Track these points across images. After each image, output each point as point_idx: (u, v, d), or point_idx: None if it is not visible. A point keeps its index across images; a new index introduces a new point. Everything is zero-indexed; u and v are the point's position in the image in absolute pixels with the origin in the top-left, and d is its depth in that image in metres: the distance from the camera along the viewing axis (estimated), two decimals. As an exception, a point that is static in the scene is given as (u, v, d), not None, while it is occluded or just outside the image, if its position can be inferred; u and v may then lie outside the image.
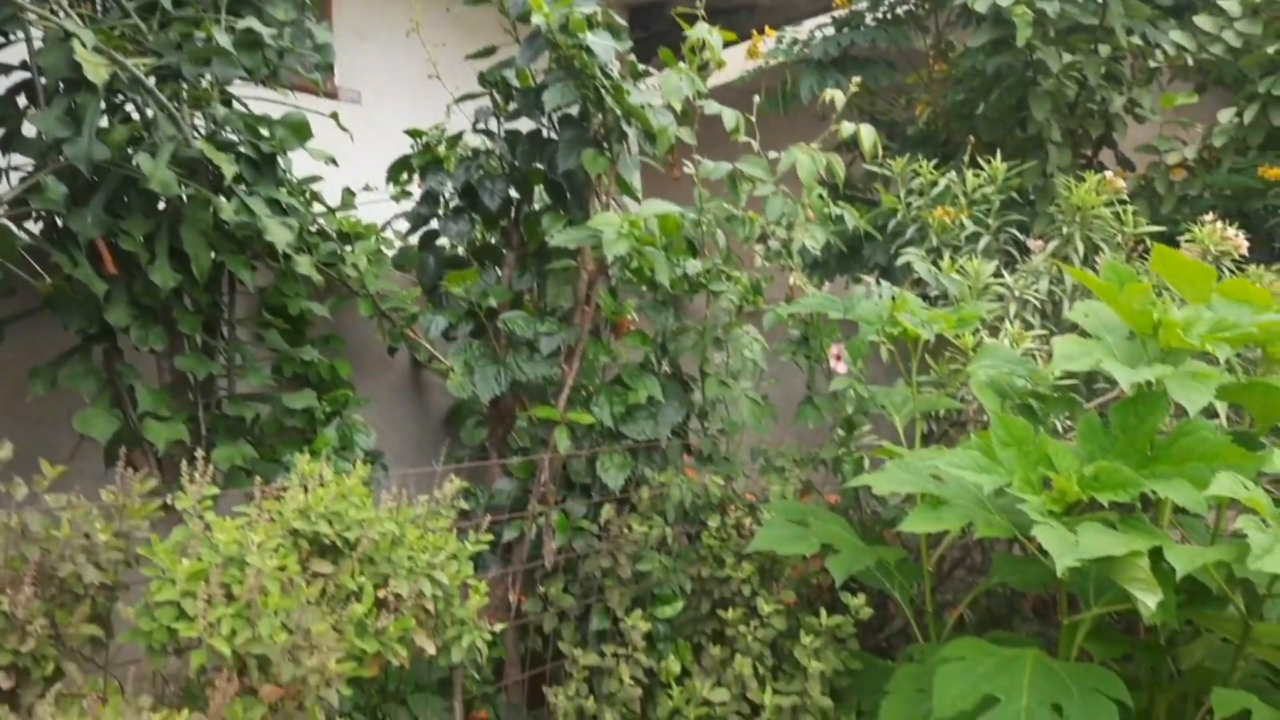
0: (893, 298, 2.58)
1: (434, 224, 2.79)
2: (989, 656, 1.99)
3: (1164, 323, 2.11)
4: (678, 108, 2.36)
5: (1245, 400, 2.26)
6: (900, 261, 2.88)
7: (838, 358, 3.10)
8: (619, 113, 2.37)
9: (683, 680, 2.36)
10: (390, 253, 3.19)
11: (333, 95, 5.04)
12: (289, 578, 1.54)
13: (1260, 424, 2.27)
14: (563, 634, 2.43)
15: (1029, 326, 3.16)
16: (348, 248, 3.03)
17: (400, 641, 1.75)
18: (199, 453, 1.66)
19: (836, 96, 2.75)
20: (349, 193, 3.21)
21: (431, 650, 1.80)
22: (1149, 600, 1.73)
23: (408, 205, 3.11)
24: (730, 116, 2.45)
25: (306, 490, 1.69)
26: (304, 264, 2.62)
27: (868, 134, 2.51)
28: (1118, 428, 2.05)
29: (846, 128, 2.51)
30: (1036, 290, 3.15)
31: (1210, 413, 2.72)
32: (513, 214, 2.62)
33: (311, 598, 1.54)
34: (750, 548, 2.44)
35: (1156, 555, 1.82)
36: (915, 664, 2.26)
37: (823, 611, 2.37)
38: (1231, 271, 3.26)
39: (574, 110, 2.50)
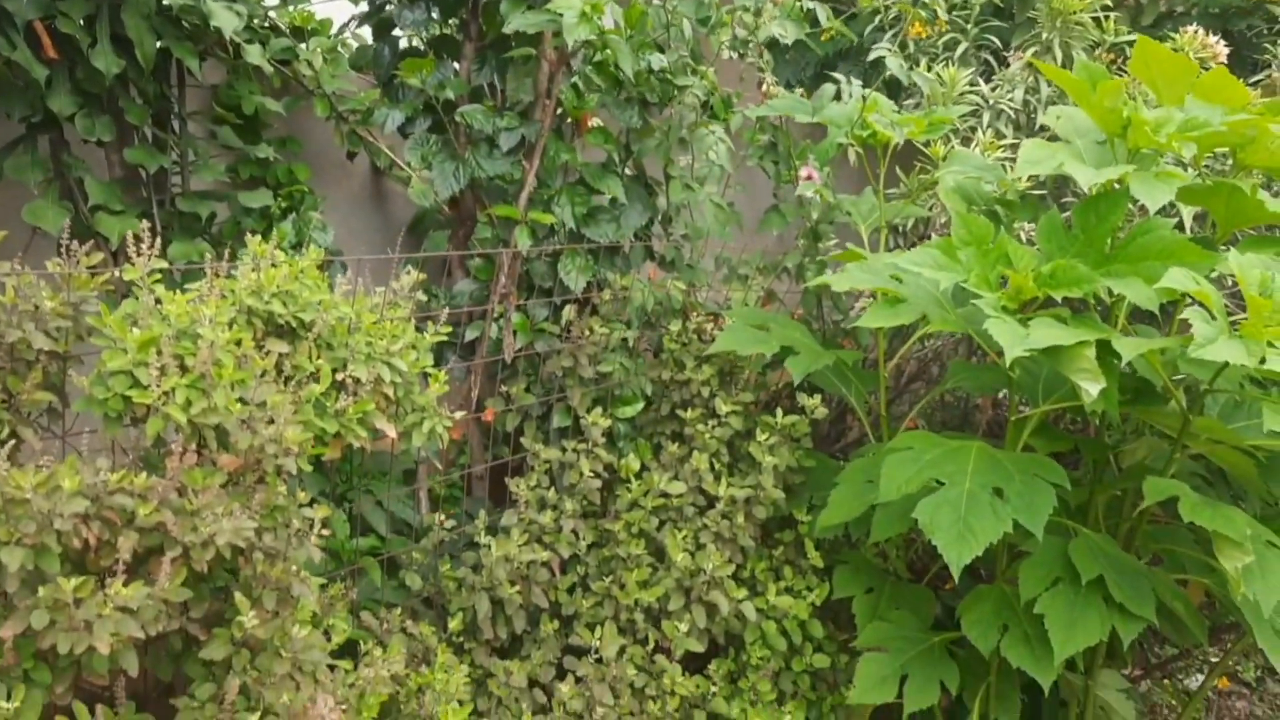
0: (863, 98, 2.52)
1: (389, 12, 2.66)
2: (936, 446, 2.06)
3: (1133, 121, 2.08)
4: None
5: (1209, 204, 2.27)
6: (872, 56, 2.80)
7: (808, 178, 3.05)
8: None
9: (641, 475, 2.43)
10: (347, 54, 3.07)
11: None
12: (243, 353, 1.54)
13: (1223, 229, 2.29)
14: (525, 431, 2.47)
15: (1001, 137, 3.12)
16: (302, 44, 2.91)
17: (360, 423, 1.78)
18: (146, 234, 1.62)
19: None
20: (302, -14, 3.05)
21: (392, 433, 1.83)
22: (1091, 389, 1.78)
23: (366, 7, 2.96)
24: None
25: (258, 270, 1.67)
26: (254, 54, 2.51)
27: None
28: (1078, 227, 2.05)
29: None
30: (1011, 100, 3.09)
31: (1178, 226, 2.74)
32: (470, 2, 2.50)
33: (266, 370, 1.55)
34: (711, 349, 2.47)
35: (1104, 349, 1.86)
36: (866, 459, 2.34)
37: (779, 411, 2.42)
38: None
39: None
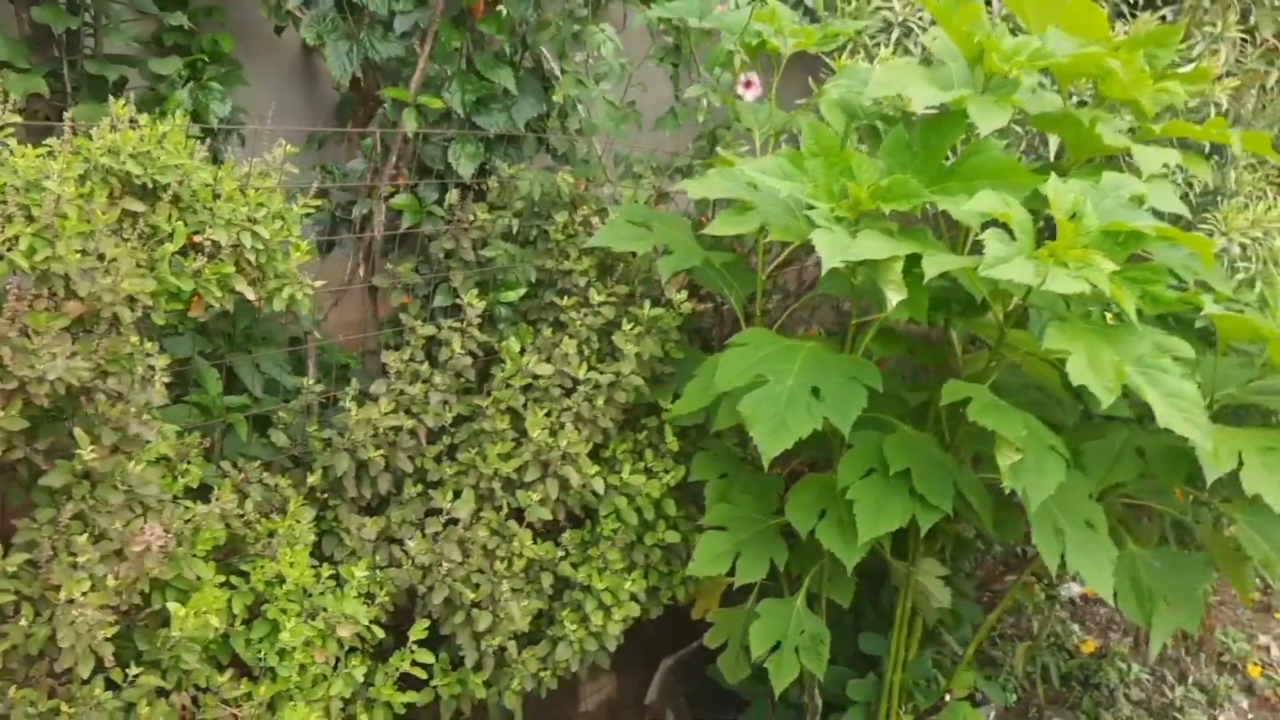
0: (762, 3, 2.58)
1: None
2: (771, 344, 2.21)
3: (987, 47, 2.17)
4: None
5: (1061, 132, 2.38)
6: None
7: (748, 85, 3.11)
8: None
9: (520, 357, 2.57)
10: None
11: None
12: (93, 209, 1.65)
13: (1073, 156, 2.40)
14: (407, 309, 2.60)
15: (909, 54, 3.19)
16: (222, -88, 2.92)
17: (219, 285, 1.90)
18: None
19: None
20: None
21: (251, 296, 1.96)
22: (894, 298, 1.92)
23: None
24: None
25: (115, 129, 1.77)
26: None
27: None
28: (920, 145, 2.17)
29: None
30: (921, 19, 3.15)
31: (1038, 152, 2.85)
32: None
33: (111, 224, 1.66)
34: (589, 243, 2.59)
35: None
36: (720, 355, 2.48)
37: (647, 304, 2.55)
38: (1127, 17, 3.28)
39: None
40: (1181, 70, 2.47)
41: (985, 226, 2.34)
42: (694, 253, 2.58)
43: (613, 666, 3.15)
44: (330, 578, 1.98)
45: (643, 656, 3.25)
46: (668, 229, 2.65)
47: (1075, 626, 3.96)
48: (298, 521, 2.03)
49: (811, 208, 2.05)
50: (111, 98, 2.59)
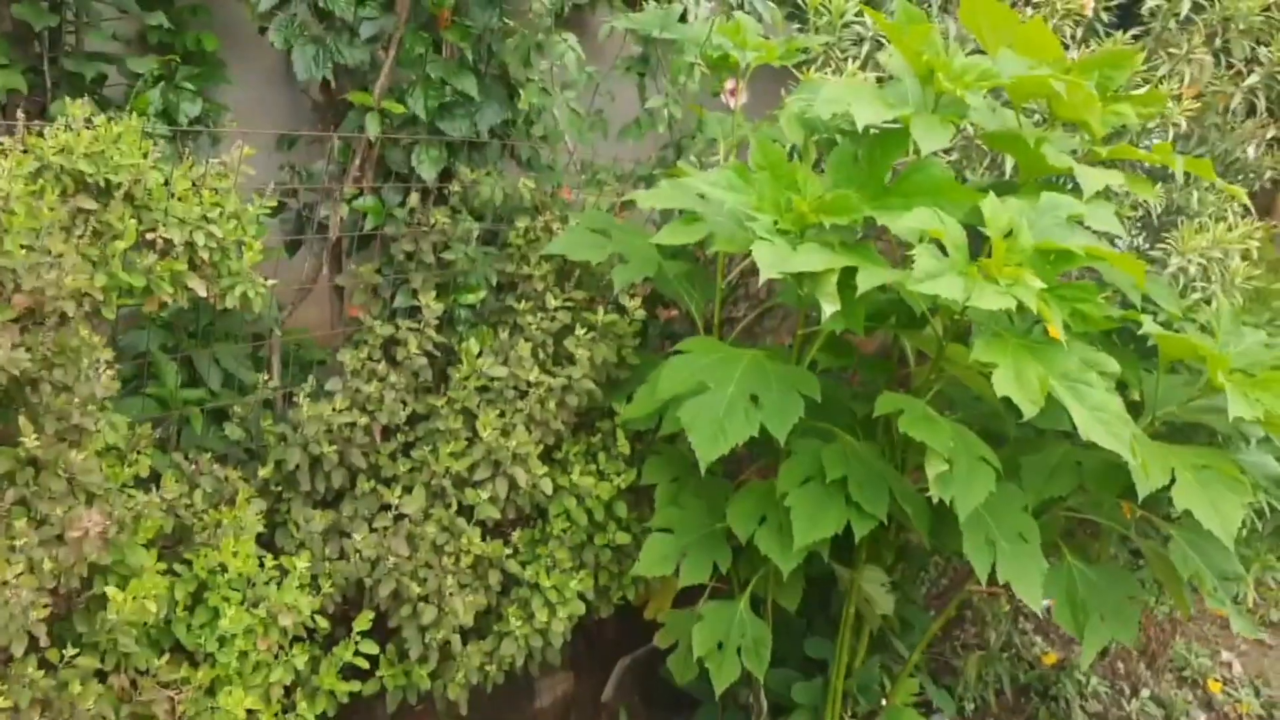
0: (725, 17, 2.63)
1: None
2: (714, 353, 2.26)
3: (935, 67, 2.22)
4: None
5: (1010, 150, 2.43)
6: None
7: (732, 92, 3.16)
8: None
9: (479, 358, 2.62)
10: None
11: None
12: (41, 206, 1.70)
13: (1024, 174, 2.45)
14: (371, 309, 2.65)
15: (879, 68, 3.23)
16: (204, -88, 2.98)
17: (171, 281, 1.96)
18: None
19: None
20: None
21: (203, 292, 2.01)
22: (828, 309, 1.96)
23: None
24: None
25: (70, 128, 1.82)
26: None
27: None
28: (864, 161, 2.21)
29: None
30: (889, 35, 3.19)
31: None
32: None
33: (62, 221, 1.72)
34: (546, 249, 2.64)
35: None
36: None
37: (600, 310, 2.60)
38: (1102, 36, 3.32)
39: None
40: (1135, 93, 2.51)
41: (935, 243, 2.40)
42: (650, 262, 2.62)
43: (572, 665, 3.21)
44: (275, 568, 2.03)
45: (602, 655, 3.31)
46: (626, 237, 2.70)
47: (1038, 638, 3.99)
48: (244, 512, 2.07)
49: (754, 220, 2.09)
50: (70, 97, 2.68)
